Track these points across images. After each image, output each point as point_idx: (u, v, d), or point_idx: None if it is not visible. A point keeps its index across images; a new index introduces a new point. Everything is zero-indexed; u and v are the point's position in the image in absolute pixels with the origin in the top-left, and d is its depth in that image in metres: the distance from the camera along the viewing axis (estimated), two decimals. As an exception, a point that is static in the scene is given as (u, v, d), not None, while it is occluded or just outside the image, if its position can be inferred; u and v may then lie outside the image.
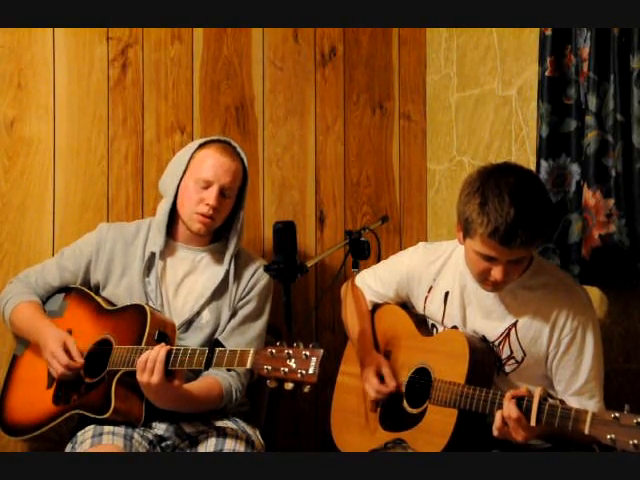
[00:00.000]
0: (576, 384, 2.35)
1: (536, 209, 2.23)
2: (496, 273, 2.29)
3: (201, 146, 2.73)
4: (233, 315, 2.71)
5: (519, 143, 3.00)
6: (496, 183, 2.24)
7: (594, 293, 2.69)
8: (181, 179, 2.71)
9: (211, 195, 2.66)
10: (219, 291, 2.72)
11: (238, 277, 2.75)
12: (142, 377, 2.40)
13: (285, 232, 2.34)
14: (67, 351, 2.58)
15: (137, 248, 2.76)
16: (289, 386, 2.15)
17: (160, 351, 2.40)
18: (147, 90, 3.17)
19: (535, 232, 2.23)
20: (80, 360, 2.58)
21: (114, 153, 3.13)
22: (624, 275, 2.57)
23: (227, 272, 2.73)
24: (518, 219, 2.19)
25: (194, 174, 2.69)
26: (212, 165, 2.68)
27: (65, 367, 2.56)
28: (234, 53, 3.27)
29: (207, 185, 2.67)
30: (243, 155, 2.75)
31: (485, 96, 3.21)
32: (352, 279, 2.76)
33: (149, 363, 2.40)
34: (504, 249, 2.23)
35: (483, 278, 2.34)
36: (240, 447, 2.56)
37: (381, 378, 2.57)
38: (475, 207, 2.23)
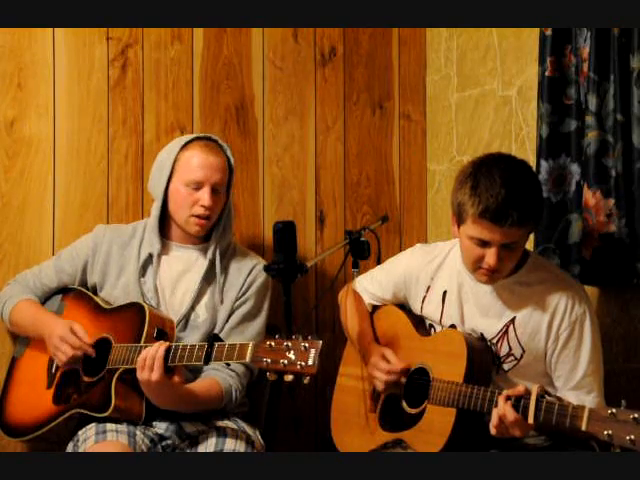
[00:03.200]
0: (575, 378, 2.36)
1: (526, 190, 2.30)
2: (489, 258, 2.31)
3: (184, 146, 2.71)
4: (231, 314, 2.71)
5: (519, 143, 3.00)
6: (488, 169, 2.31)
7: (594, 293, 2.70)
8: (169, 182, 2.70)
9: (204, 196, 2.65)
10: (207, 283, 2.71)
11: (234, 275, 2.74)
12: (142, 374, 2.41)
13: (285, 232, 2.34)
14: (75, 334, 2.59)
15: (133, 249, 2.76)
16: (289, 378, 2.16)
17: (159, 348, 2.40)
18: (147, 90, 3.17)
19: (526, 212, 2.27)
20: (88, 340, 2.58)
21: (114, 153, 3.13)
22: (624, 275, 2.58)
23: (211, 262, 2.72)
24: (509, 198, 2.25)
25: (183, 177, 2.68)
26: (200, 165, 2.67)
27: (78, 349, 2.56)
28: (234, 53, 3.27)
29: (198, 186, 2.66)
30: (227, 148, 2.75)
31: (485, 96, 3.21)
32: (350, 284, 2.76)
33: (148, 360, 2.40)
34: (496, 229, 2.26)
35: (477, 267, 2.36)
36: (240, 447, 2.56)
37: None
38: (467, 191, 2.30)
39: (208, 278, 2.72)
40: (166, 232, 2.78)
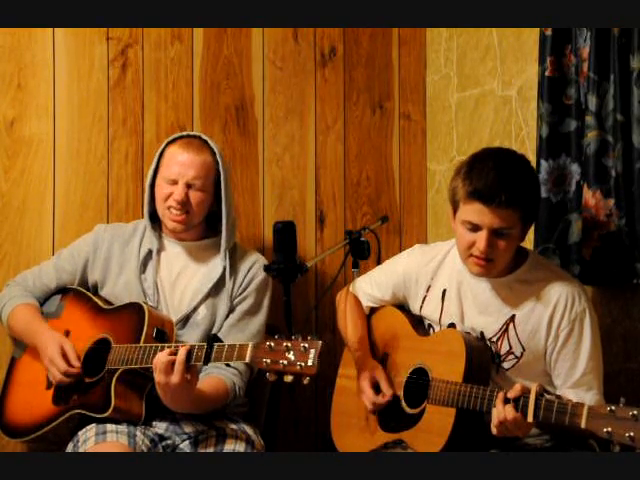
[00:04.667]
0: (574, 376, 2.37)
1: (517, 174, 2.34)
2: (480, 243, 2.33)
3: (169, 143, 2.75)
4: (231, 311, 2.71)
5: (519, 143, 3.00)
6: (483, 157, 2.38)
7: (594, 293, 2.70)
8: (154, 179, 2.73)
9: (177, 190, 2.67)
10: (216, 287, 2.72)
11: (234, 273, 2.74)
12: (160, 377, 2.38)
13: (285, 232, 2.34)
14: (64, 355, 2.58)
15: (134, 247, 2.77)
16: (289, 379, 2.15)
17: (181, 351, 2.37)
18: (147, 90, 3.17)
19: (515, 194, 2.30)
20: (77, 364, 2.58)
21: (114, 153, 3.13)
22: (624, 275, 2.58)
23: (224, 268, 2.72)
24: (498, 179, 2.30)
25: (163, 173, 2.71)
26: (176, 162, 2.69)
27: (63, 374, 2.57)
28: (234, 53, 3.27)
29: (174, 182, 2.68)
30: (214, 147, 2.74)
31: (485, 96, 3.21)
32: (347, 287, 2.75)
33: (166, 364, 2.36)
34: (485, 210, 2.29)
35: (469, 254, 2.37)
36: (240, 447, 2.56)
37: (377, 388, 2.57)
38: (461, 176, 2.36)
39: (219, 282, 2.72)
40: (161, 228, 2.79)
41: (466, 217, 2.34)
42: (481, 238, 2.33)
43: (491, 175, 2.30)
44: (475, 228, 2.34)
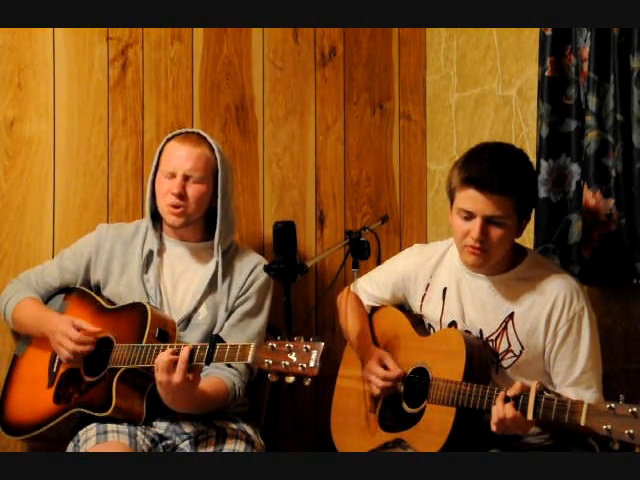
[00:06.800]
0: (573, 375, 2.37)
1: (512, 162, 2.38)
2: (473, 231, 2.34)
3: (168, 139, 2.76)
4: (232, 312, 2.71)
5: (519, 143, 3.00)
6: (480, 148, 2.43)
7: (594, 293, 2.70)
8: (155, 176, 2.74)
9: (174, 183, 2.67)
10: (212, 285, 2.72)
11: (235, 274, 2.75)
12: (161, 376, 2.39)
13: (285, 232, 2.34)
14: (79, 330, 2.59)
15: (136, 246, 2.77)
16: (290, 379, 2.16)
17: (183, 350, 2.38)
18: (147, 90, 3.17)
19: (509, 180, 2.32)
20: (96, 329, 2.59)
21: (114, 153, 3.13)
22: (624, 275, 2.58)
23: (217, 264, 2.72)
24: (493, 166, 2.33)
25: (161, 168, 2.72)
26: (174, 156, 2.70)
27: (76, 342, 2.56)
28: (234, 53, 3.27)
29: (172, 176, 2.69)
30: (213, 143, 2.74)
31: (485, 96, 3.21)
32: (348, 287, 2.75)
33: (168, 363, 2.37)
34: (479, 196, 2.32)
35: (464, 245, 2.38)
36: (240, 447, 2.56)
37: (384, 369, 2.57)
38: (458, 165, 2.40)
39: (213, 280, 2.72)
40: (163, 228, 2.79)
41: (461, 205, 2.36)
42: (474, 226, 2.34)
43: (486, 163, 2.34)
44: (469, 216, 2.35)
